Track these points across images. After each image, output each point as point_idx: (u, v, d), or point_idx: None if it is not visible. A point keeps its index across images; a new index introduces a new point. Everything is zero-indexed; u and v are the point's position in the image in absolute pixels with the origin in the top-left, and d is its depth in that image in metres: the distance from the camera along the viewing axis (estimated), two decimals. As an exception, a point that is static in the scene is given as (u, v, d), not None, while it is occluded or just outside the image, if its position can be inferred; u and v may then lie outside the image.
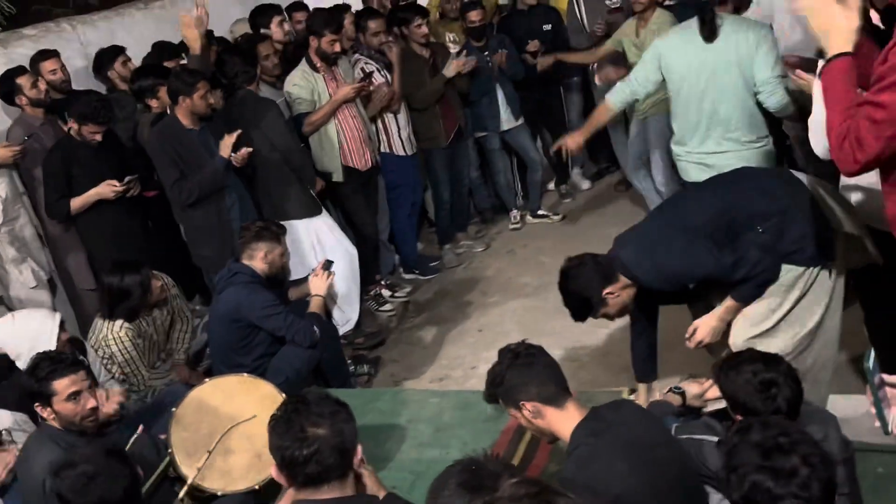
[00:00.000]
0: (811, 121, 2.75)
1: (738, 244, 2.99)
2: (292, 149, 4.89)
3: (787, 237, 2.99)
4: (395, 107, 5.54)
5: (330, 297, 4.42)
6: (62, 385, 3.01)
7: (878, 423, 1.81)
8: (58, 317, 3.77)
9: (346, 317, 5.03)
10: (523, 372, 2.42)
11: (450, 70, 5.72)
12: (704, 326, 3.20)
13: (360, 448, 2.18)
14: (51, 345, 3.57)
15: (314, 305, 4.19)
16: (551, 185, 7.03)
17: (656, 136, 5.40)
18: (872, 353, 1.86)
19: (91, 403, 3.06)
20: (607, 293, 3.12)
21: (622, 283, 3.11)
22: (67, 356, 3.19)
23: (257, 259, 4.10)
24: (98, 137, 4.46)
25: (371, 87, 5.38)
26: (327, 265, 4.35)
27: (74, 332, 4.82)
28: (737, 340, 3.14)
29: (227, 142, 4.47)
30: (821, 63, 2.42)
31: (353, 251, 5.08)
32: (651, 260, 3.07)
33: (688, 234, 3.03)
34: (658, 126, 5.29)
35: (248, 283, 4.04)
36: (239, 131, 4.50)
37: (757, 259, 2.97)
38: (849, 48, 2.17)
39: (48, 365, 3.05)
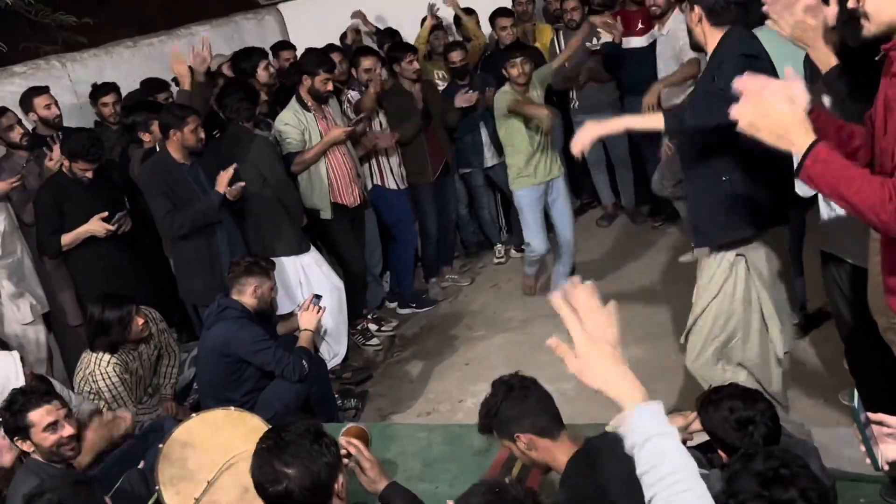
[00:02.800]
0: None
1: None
2: (285, 185, 4.94)
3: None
4: (363, 118, 5.60)
5: (317, 332, 4.45)
6: (38, 416, 3.06)
7: (868, 461, 1.85)
8: (16, 354, 3.80)
9: (333, 351, 5.06)
10: (518, 404, 2.46)
11: (459, 101, 5.92)
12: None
13: (341, 478, 2.18)
14: (19, 382, 3.59)
15: (303, 340, 4.22)
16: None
17: None
18: (856, 393, 1.91)
19: (68, 431, 3.11)
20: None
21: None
22: (39, 387, 3.23)
23: (247, 294, 4.14)
24: (89, 175, 4.51)
25: (361, 128, 5.44)
26: (316, 300, 4.39)
27: (60, 368, 4.84)
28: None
29: (224, 178, 4.52)
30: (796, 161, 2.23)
31: (341, 285, 5.11)
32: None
33: None
34: None
35: (237, 318, 4.07)
36: (235, 166, 4.54)
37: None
38: (812, 137, 2.08)
39: (21, 398, 3.10)
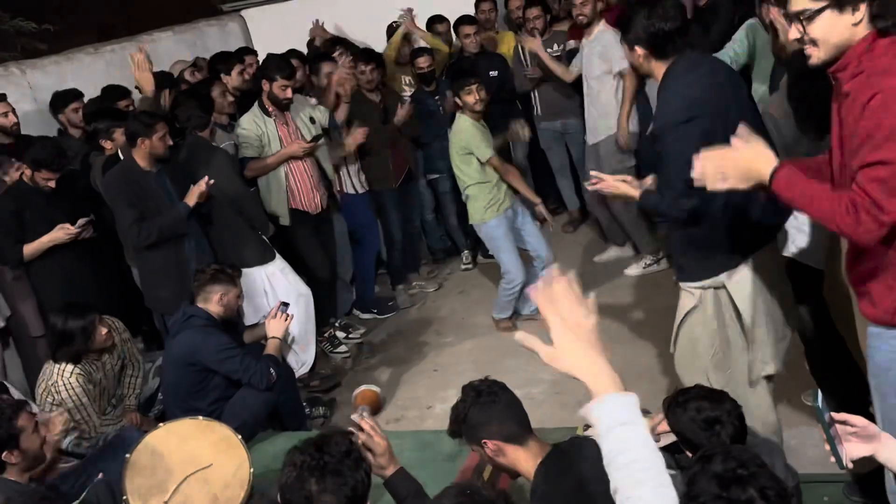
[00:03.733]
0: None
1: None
2: (244, 196, 4.90)
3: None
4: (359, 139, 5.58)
5: (285, 340, 4.42)
6: (25, 419, 3.07)
7: (832, 459, 1.88)
8: None
9: (301, 360, 5.03)
10: (485, 410, 2.46)
11: (399, 118, 5.85)
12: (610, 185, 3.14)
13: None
14: None
15: (271, 348, 4.19)
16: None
17: None
18: (820, 394, 1.94)
19: (45, 431, 3.15)
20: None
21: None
22: (9, 397, 3.20)
23: (213, 302, 4.10)
24: (52, 184, 4.45)
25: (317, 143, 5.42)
26: (283, 307, 4.37)
27: (21, 379, 4.76)
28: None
29: (195, 191, 4.47)
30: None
31: (308, 293, 5.09)
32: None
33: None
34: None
35: (203, 327, 4.03)
36: (208, 180, 4.49)
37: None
38: (774, 163, 2.28)
39: (5, 407, 3.07)
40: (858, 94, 2.18)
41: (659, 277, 5.54)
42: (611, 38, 5.48)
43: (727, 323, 3.08)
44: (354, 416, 2.59)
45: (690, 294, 3.09)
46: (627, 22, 2.96)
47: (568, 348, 1.54)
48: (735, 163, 2.34)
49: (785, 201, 2.31)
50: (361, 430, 2.54)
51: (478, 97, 5.09)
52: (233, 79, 5.71)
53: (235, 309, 4.25)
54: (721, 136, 2.64)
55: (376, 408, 2.91)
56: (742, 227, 2.92)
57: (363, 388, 3.09)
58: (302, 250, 5.35)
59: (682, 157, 2.63)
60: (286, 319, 4.29)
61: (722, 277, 3.01)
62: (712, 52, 4.61)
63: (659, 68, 2.96)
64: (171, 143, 4.50)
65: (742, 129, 2.38)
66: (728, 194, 2.61)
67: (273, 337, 4.22)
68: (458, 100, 5.17)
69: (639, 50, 2.94)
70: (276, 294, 4.94)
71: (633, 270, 5.86)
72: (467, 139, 5.14)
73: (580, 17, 5.75)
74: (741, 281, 3.00)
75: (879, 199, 2.10)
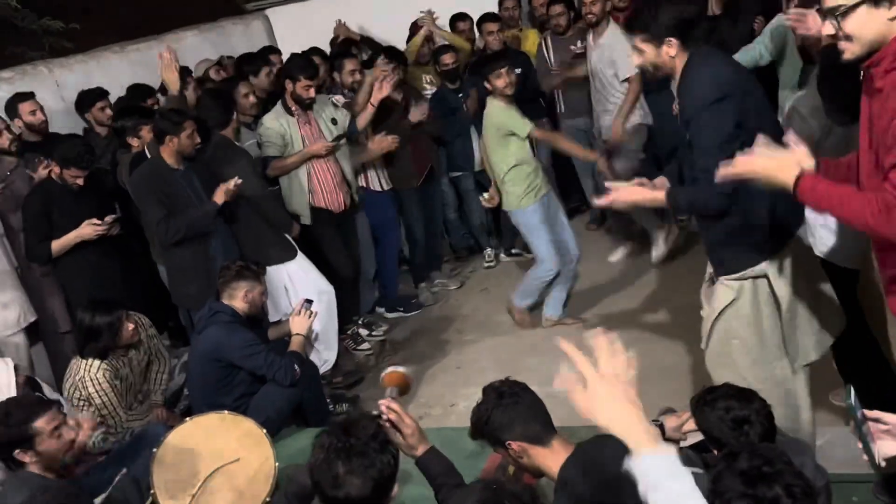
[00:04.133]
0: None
1: None
2: (263, 197, 4.90)
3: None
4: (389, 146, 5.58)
5: (308, 337, 4.43)
6: (43, 423, 3.05)
7: (865, 458, 1.86)
8: (10, 361, 3.78)
9: (323, 357, 5.04)
10: (508, 411, 2.44)
11: (414, 116, 5.84)
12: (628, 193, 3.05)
13: (396, 486, 2.20)
14: (11, 392, 3.58)
15: (295, 344, 4.21)
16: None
17: None
18: (852, 391, 1.92)
19: (71, 435, 3.13)
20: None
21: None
22: (35, 397, 3.21)
23: (238, 298, 4.12)
24: (80, 182, 4.50)
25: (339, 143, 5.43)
26: (307, 304, 4.38)
27: (49, 375, 4.81)
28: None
29: (223, 189, 4.49)
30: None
31: (330, 290, 5.09)
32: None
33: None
34: None
35: (228, 323, 4.05)
36: (237, 180, 4.51)
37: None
38: (797, 172, 2.30)
39: (21, 410, 3.08)
40: (893, 90, 2.16)
41: (679, 276, 5.49)
42: (617, 42, 5.49)
43: (766, 315, 3.04)
44: (382, 405, 2.57)
45: (729, 288, 3.05)
46: (650, 17, 2.89)
47: (602, 398, 1.55)
48: (757, 173, 2.37)
49: (813, 207, 2.34)
50: (391, 410, 2.53)
51: (508, 80, 5.06)
52: (260, 80, 5.73)
53: (260, 306, 4.28)
54: (753, 115, 2.75)
55: (405, 389, 2.90)
56: (781, 210, 2.91)
57: (391, 369, 3.06)
58: (325, 248, 5.35)
59: (720, 134, 2.69)
60: (310, 316, 4.30)
61: (764, 266, 2.98)
62: (741, 45, 4.60)
63: (682, 60, 2.92)
64: (198, 141, 4.53)
65: (761, 138, 2.39)
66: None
67: (297, 334, 4.24)
68: (488, 84, 5.14)
69: (672, 41, 2.88)
70: (297, 292, 4.95)
71: (617, 256, 6.04)
72: (503, 118, 5.11)
73: (589, 16, 5.76)
74: (784, 267, 2.99)
75: None
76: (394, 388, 2.84)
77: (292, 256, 5.03)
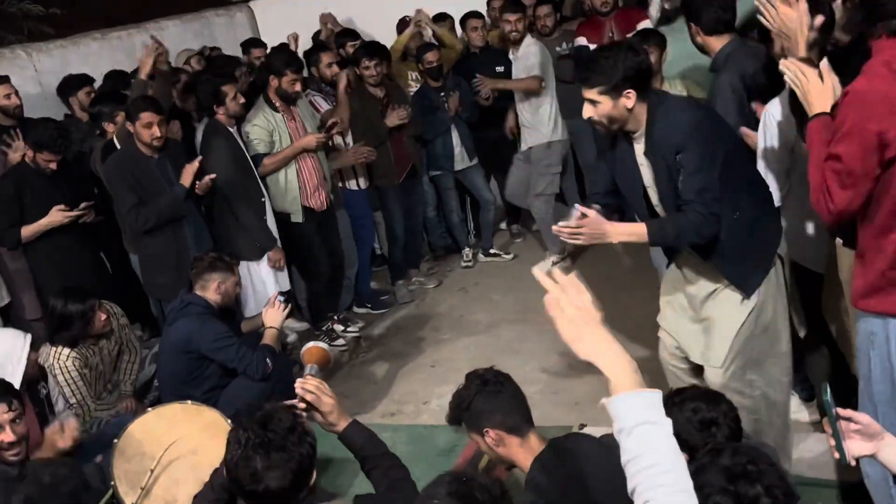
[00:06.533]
0: None
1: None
2: (232, 191, 4.80)
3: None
4: (337, 130, 5.52)
5: (281, 331, 4.39)
6: None
7: (836, 455, 1.87)
8: (28, 338, 3.70)
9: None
10: (490, 399, 2.47)
11: (391, 120, 5.78)
12: (593, 227, 2.90)
13: (314, 474, 2.19)
14: (21, 364, 3.53)
15: (268, 338, 4.17)
16: (503, 225, 7.13)
17: None
18: (829, 387, 1.93)
19: (9, 438, 2.97)
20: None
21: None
22: None
23: (211, 290, 4.09)
24: (53, 166, 4.44)
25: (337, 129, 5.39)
26: (281, 296, 4.35)
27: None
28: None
29: (189, 171, 4.45)
30: (773, 103, 2.78)
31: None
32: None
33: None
34: None
35: (200, 315, 4.01)
36: (199, 158, 4.47)
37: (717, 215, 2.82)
38: (826, 109, 2.38)
39: None
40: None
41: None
42: (537, 50, 5.95)
43: (780, 313, 3.08)
44: (297, 388, 2.56)
45: (749, 301, 3.02)
46: (608, 67, 2.80)
47: (585, 332, 1.50)
48: (806, 82, 2.45)
49: (806, 143, 2.45)
50: (307, 391, 2.50)
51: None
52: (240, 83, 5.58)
53: (233, 297, 4.24)
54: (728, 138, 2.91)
55: (325, 365, 2.88)
56: (772, 215, 3.03)
57: (311, 344, 3.03)
58: (306, 246, 5.32)
59: (710, 149, 2.78)
60: (283, 310, 4.27)
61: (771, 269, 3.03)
62: None
63: (641, 109, 2.86)
64: (158, 133, 4.40)
65: (824, 64, 2.48)
66: (750, 189, 2.88)
67: (270, 327, 4.20)
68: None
69: (630, 93, 2.81)
70: (266, 289, 4.93)
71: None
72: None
73: (514, 34, 5.97)
74: (777, 268, 3.07)
75: (832, 188, 2.28)
76: (313, 364, 2.82)
77: (260, 257, 4.98)
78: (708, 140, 2.79)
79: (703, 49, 3.66)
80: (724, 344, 3.04)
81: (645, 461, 1.43)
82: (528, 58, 5.97)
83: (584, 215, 2.90)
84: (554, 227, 2.99)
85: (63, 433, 3.26)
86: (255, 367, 3.96)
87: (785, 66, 2.52)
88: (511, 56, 6.12)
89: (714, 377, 3.07)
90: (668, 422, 1.47)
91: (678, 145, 2.81)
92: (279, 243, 5.02)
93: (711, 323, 3.10)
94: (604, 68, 2.81)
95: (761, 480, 1.69)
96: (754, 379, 3.08)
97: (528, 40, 6.03)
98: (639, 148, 2.96)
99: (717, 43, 3.56)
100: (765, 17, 2.70)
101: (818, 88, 2.43)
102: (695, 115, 2.86)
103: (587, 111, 2.90)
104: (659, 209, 3.04)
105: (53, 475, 2.67)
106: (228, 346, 3.96)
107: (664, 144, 2.85)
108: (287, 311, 4.31)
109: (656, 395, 1.49)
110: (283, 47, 6.27)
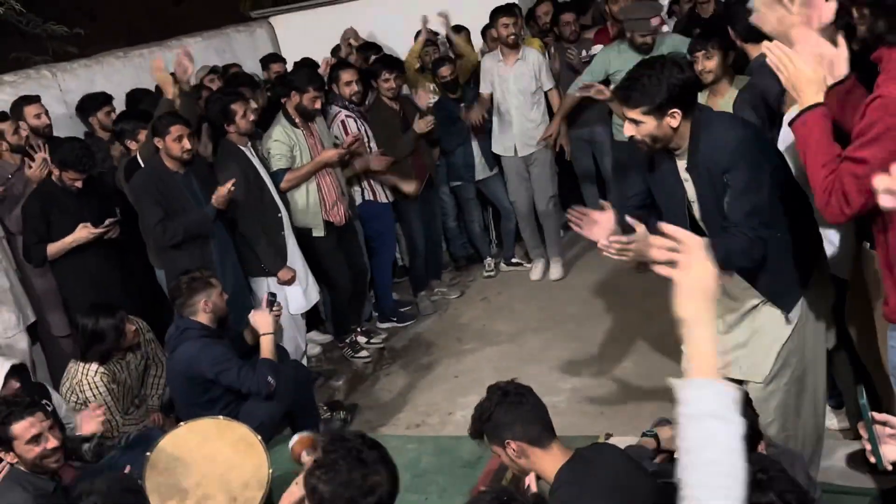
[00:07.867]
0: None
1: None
2: (240, 211, 4.78)
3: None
4: (357, 146, 5.50)
5: (277, 334, 4.27)
6: (21, 428, 3.01)
7: (872, 459, 1.85)
8: (6, 365, 3.69)
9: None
10: (511, 411, 2.46)
11: (420, 126, 5.76)
12: (643, 244, 2.76)
13: None
14: None
15: (265, 349, 4.06)
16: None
17: None
18: (864, 391, 1.91)
19: (52, 444, 3.05)
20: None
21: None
22: (23, 399, 3.16)
23: (200, 311, 4.04)
24: (79, 184, 4.50)
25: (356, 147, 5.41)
26: (272, 297, 4.31)
27: (45, 379, 4.80)
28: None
29: (221, 192, 4.46)
30: (790, 114, 2.55)
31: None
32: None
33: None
34: None
35: (198, 339, 3.98)
36: (234, 180, 4.48)
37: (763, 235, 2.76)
38: (819, 99, 2.31)
39: (4, 409, 3.04)
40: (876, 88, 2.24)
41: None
42: (539, 58, 5.99)
43: (818, 328, 3.06)
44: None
45: (791, 315, 2.98)
46: (653, 88, 2.70)
47: (701, 298, 1.47)
48: (793, 69, 2.33)
49: (797, 139, 2.37)
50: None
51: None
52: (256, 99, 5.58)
53: (224, 307, 4.16)
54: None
55: (313, 448, 2.85)
56: (809, 228, 2.98)
57: (297, 437, 2.97)
58: (326, 260, 5.33)
59: (759, 169, 2.74)
60: (271, 311, 4.20)
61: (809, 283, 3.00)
62: None
63: (685, 128, 2.80)
64: (188, 146, 4.45)
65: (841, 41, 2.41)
66: (791, 206, 2.85)
67: (264, 334, 4.09)
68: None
69: (676, 112, 2.74)
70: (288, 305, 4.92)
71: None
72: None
73: (511, 38, 5.91)
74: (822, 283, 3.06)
75: (850, 192, 2.22)
76: (308, 449, 2.77)
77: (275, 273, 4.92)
78: (755, 160, 2.74)
79: (743, 54, 3.80)
80: (769, 359, 3.00)
81: (705, 456, 1.37)
82: (530, 61, 5.96)
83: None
84: (602, 242, 2.87)
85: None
86: (258, 388, 3.91)
87: (767, 48, 2.38)
88: (505, 63, 6.01)
89: (755, 392, 3.00)
90: (741, 422, 1.38)
91: (725, 165, 2.74)
92: (288, 261, 4.99)
93: (754, 337, 3.05)
94: (647, 87, 2.68)
95: (773, 487, 1.69)
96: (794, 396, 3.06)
97: (528, 48, 6.06)
98: (681, 164, 2.89)
99: (753, 50, 3.64)
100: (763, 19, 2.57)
101: (806, 76, 2.31)
102: (742, 134, 2.78)
103: (629, 130, 2.79)
104: (703, 225, 2.97)
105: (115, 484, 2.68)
106: (228, 371, 3.91)
107: (710, 163, 2.78)
108: (277, 312, 4.26)
109: (734, 392, 1.40)
110: (306, 62, 6.31)
